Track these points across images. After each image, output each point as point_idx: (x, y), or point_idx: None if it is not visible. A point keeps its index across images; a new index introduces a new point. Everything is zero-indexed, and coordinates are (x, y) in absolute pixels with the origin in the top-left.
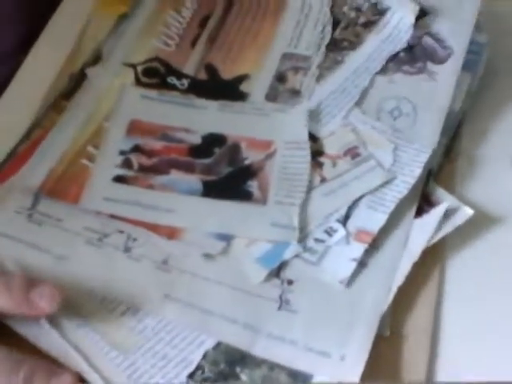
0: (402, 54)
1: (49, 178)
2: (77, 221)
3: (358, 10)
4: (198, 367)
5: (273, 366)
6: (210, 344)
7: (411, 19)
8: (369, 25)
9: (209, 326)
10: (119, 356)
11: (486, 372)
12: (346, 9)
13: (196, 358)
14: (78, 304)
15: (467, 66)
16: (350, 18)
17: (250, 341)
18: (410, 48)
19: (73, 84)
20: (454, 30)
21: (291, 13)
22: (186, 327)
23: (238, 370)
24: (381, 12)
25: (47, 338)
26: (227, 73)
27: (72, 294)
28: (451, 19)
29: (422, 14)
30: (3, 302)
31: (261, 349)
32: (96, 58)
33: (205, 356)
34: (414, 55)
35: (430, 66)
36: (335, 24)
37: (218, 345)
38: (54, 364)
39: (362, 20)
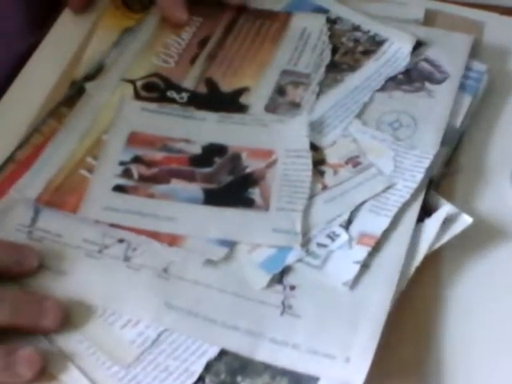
0: (399, 76)
1: (47, 188)
2: (76, 234)
3: (357, 41)
4: (199, 378)
5: (274, 375)
6: (212, 354)
7: (408, 48)
8: (367, 53)
9: (211, 334)
10: (120, 370)
11: (483, 381)
12: (344, 39)
13: (198, 368)
14: (78, 319)
15: (468, 90)
16: (349, 47)
17: (253, 347)
18: (407, 71)
19: (73, 92)
20: (450, 57)
21: (290, 39)
22: (188, 336)
23: (239, 379)
24: (379, 43)
25: (46, 354)
26: (227, 86)
27: (72, 310)
28: (446, 48)
29: (419, 44)
30: (10, 317)
31: (264, 354)
32: (98, 70)
33: (207, 367)
34: (412, 77)
35: (427, 85)
36: (334, 51)
37: (220, 355)
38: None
39: (360, 49)
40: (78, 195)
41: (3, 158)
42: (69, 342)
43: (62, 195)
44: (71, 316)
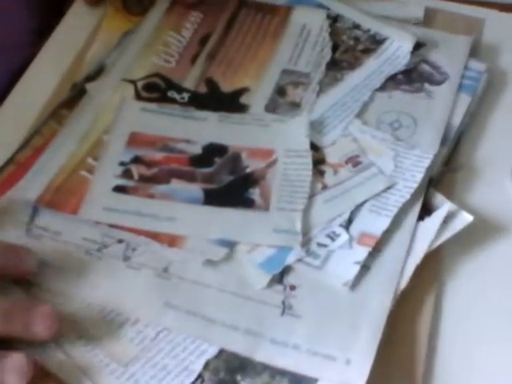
0: (399, 76)
1: (47, 189)
2: (75, 232)
3: (357, 39)
4: (198, 376)
5: (274, 374)
6: (211, 353)
7: (409, 47)
8: (367, 51)
9: (210, 334)
10: (119, 368)
11: (483, 381)
12: (344, 38)
13: (197, 368)
14: (77, 316)
15: (467, 89)
16: (349, 45)
17: (253, 347)
18: (407, 72)
19: (74, 94)
20: (450, 59)
21: (290, 36)
22: (187, 336)
23: (238, 378)
24: (379, 42)
25: (43, 350)
26: (227, 86)
27: (70, 307)
28: (446, 49)
29: (419, 45)
30: (1, 326)
31: (264, 355)
32: (99, 71)
33: (206, 365)
34: (411, 78)
35: (427, 86)
36: (335, 48)
37: (219, 353)
38: None
39: (360, 47)
40: (78, 196)
41: (4, 160)
42: (67, 338)
43: (63, 196)
44: (70, 313)
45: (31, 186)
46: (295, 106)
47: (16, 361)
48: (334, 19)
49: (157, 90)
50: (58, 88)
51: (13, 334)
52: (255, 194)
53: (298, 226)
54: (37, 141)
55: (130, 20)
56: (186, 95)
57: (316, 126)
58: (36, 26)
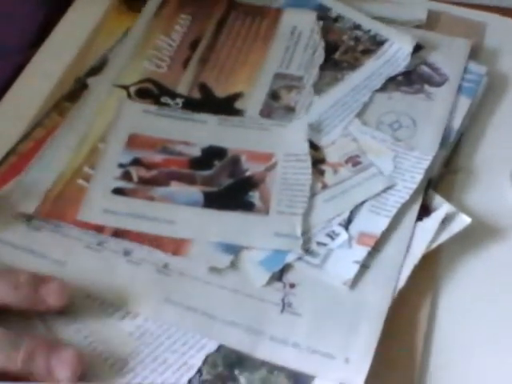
0: (399, 78)
1: (45, 200)
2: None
3: (357, 39)
4: (197, 370)
5: (272, 369)
6: (211, 348)
7: (409, 49)
8: (367, 52)
9: (210, 330)
10: (118, 362)
11: (480, 381)
12: (345, 38)
13: (197, 362)
14: (76, 309)
15: (467, 92)
16: (350, 45)
17: (253, 344)
18: (407, 73)
19: (77, 87)
20: (449, 61)
21: (281, 38)
22: (187, 331)
23: (236, 372)
24: (379, 43)
25: None
26: (221, 91)
27: (70, 299)
28: (446, 52)
29: (419, 47)
30: (11, 298)
31: (263, 352)
32: (102, 65)
33: (204, 359)
34: (411, 79)
35: (426, 87)
36: (335, 49)
37: (219, 348)
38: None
39: (360, 48)
40: (77, 206)
41: (5, 151)
42: (66, 331)
43: (62, 206)
44: (69, 305)
45: (29, 197)
46: (290, 110)
47: (68, 354)
48: (334, 19)
49: (149, 95)
50: (60, 81)
51: (34, 377)
52: (255, 197)
53: (299, 231)
54: (38, 132)
55: (133, 16)
56: (179, 101)
57: (316, 126)
58: (42, 21)
